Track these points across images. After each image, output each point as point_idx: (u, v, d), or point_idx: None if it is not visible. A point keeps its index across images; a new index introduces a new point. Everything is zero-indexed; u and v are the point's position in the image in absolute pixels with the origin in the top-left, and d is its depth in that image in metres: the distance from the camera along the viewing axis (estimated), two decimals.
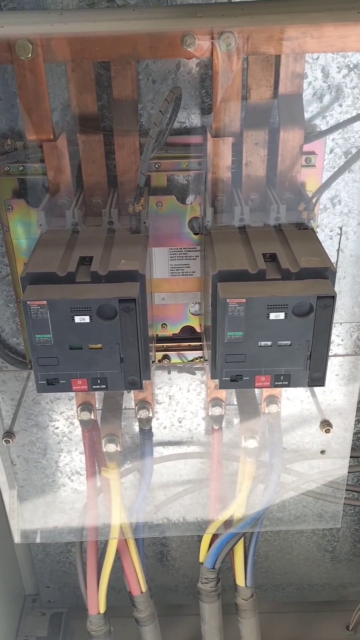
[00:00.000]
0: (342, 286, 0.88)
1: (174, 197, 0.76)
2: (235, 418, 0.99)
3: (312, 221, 0.68)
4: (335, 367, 0.96)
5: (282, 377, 0.62)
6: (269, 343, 0.60)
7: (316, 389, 0.97)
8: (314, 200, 0.67)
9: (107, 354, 0.60)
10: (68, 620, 1.25)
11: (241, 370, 0.62)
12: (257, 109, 0.68)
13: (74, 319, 0.58)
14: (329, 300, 0.57)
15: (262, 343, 0.60)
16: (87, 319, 0.58)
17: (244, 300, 0.57)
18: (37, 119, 0.65)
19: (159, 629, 1.05)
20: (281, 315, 0.58)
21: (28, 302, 0.57)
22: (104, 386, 0.62)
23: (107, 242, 0.65)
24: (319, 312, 0.58)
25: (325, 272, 0.59)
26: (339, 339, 0.95)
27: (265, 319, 0.58)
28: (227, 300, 0.57)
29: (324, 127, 0.76)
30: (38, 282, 0.59)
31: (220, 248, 0.63)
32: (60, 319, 0.58)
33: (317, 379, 0.62)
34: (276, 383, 0.63)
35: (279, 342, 0.60)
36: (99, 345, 0.59)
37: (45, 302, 0.57)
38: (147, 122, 0.75)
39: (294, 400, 0.99)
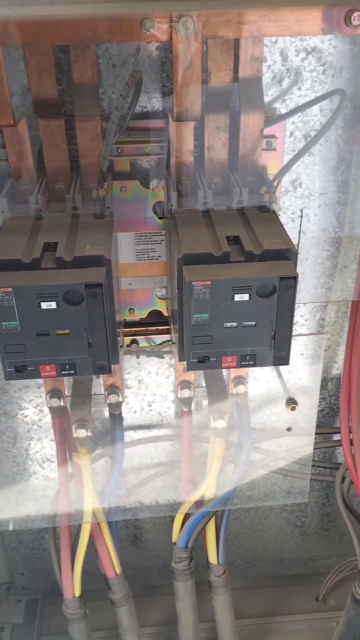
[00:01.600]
0: (304, 267, 0.90)
1: (137, 182, 0.76)
2: (204, 400, 1.00)
3: (273, 204, 0.69)
4: (300, 347, 0.98)
5: (248, 357, 0.64)
6: (235, 324, 0.61)
7: (282, 369, 0.99)
8: (275, 183, 0.68)
9: (74, 340, 0.60)
10: (44, 606, 1.26)
11: (208, 351, 0.63)
12: (218, 92, 0.68)
13: (40, 306, 0.58)
14: (291, 281, 0.59)
15: (228, 324, 0.61)
16: (53, 305, 0.58)
17: (209, 283, 0.58)
18: None
19: (134, 610, 1.07)
20: (245, 297, 0.59)
21: None
22: (73, 372, 0.62)
23: (72, 227, 0.65)
24: (282, 292, 0.59)
25: (287, 254, 0.61)
26: (302, 319, 0.97)
27: (230, 300, 0.59)
28: (193, 283, 0.58)
29: (283, 111, 0.77)
30: (2, 269, 0.59)
31: (185, 232, 0.64)
32: (26, 306, 0.58)
33: (281, 358, 0.64)
34: (242, 363, 0.64)
35: (244, 323, 0.61)
36: (67, 331, 0.60)
37: (10, 289, 0.57)
38: (108, 107, 0.75)
39: (261, 380, 1.01)
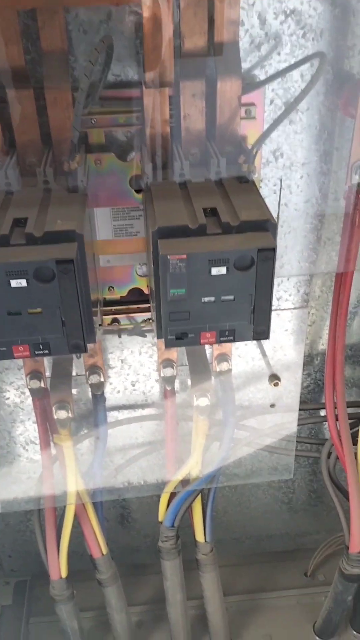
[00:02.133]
0: (287, 241, 0.88)
1: (113, 155, 0.73)
2: (188, 378, 0.99)
3: (252, 174, 0.67)
4: (284, 323, 0.97)
5: (227, 333, 0.62)
6: (212, 299, 0.59)
7: (267, 346, 0.97)
8: (254, 152, 0.66)
9: (47, 318, 0.58)
10: (32, 588, 1.26)
11: (186, 327, 0.61)
12: (192, 58, 0.65)
13: (10, 284, 0.56)
14: (270, 252, 0.57)
15: (206, 299, 0.59)
16: (24, 282, 0.56)
17: (184, 256, 0.56)
18: None
19: (122, 589, 1.06)
20: (223, 270, 0.57)
21: None
22: (47, 351, 0.60)
23: (43, 202, 0.63)
24: (260, 265, 0.57)
25: (265, 225, 0.59)
26: (286, 295, 0.95)
27: (207, 274, 0.58)
28: (168, 256, 0.56)
29: (263, 78, 0.75)
30: None
31: (160, 204, 0.62)
32: None
33: (261, 333, 0.62)
34: (221, 339, 0.62)
35: (222, 298, 0.59)
36: (39, 310, 0.58)
37: None
38: (80, 76, 0.72)
39: (245, 357, 1.00)
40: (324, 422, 1.11)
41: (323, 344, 1.03)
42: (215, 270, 0.57)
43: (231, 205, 0.61)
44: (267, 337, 0.63)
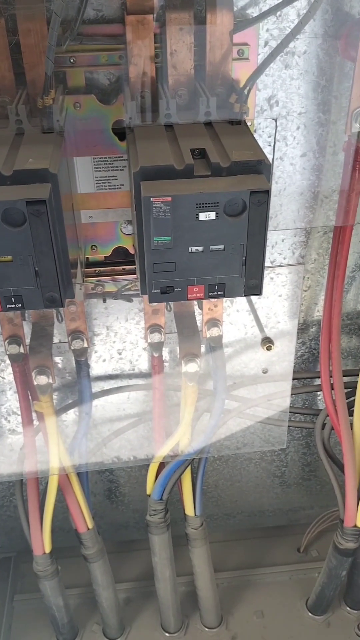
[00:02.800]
0: (282, 199, 0.83)
1: (93, 97, 0.68)
2: (177, 347, 0.94)
3: (245, 115, 0.61)
4: (277, 288, 0.92)
5: (216, 287, 0.57)
6: (201, 248, 0.54)
7: (259, 312, 0.93)
8: (246, 90, 0.60)
9: (19, 268, 0.53)
10: (17, 564, 1.22)
11: (171, 280, 0.56)
12: None
13: None
14: (263, 195, 0.52)
15: (193, 249, 0.54)
16: None
17: (169, 199, 0.51)
18: None
19: (109, 565, 1.03)
20: (212, 215, 0.52)
21: None
22: (20, 305, 0.55)
23: (15, 142, 0.57)
24: (253, 209, 0.52)
25: (258, 166, 0.54)
26: (281, 257, 0.90)
27: (195, 220, 0.52)
28: (151, 199, 0.51)
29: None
30: None
31: (143, 145, 0.57)
32: None
33: (253, 287, 0.57)
34: (210, 293, 0.57)
35: (211, 247, 0.54)
36: (9, 258, 0.52)
37: None
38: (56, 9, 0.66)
39: (237, 324, 0.95)
40: (318, 393, 1.07)
41: (319, 311, 0.99)
42: (203, 216, 0.52)
43: (221, 146, 0.56)
44: (259, 292, 0.58)
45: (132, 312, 0.91)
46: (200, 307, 0.84)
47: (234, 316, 0.94)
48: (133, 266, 0.82)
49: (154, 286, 0.56)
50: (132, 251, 0.80)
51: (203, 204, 0.52)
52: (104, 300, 0.88)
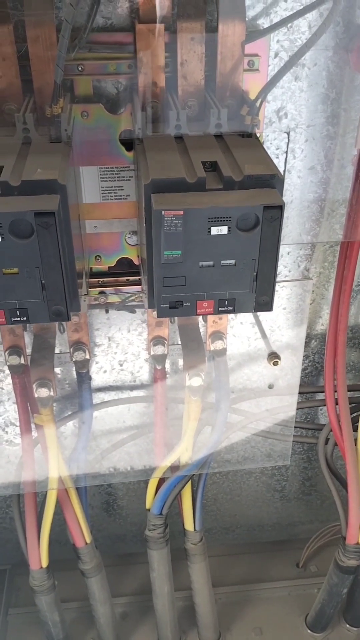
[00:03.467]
0: (288, 212, 0.82)
1: (101, 106, 0.66)
2: (180, 359, 0.93)
3: (256, 127, 0.60)
4: (282, 301, 0.91)
5: (226, 302, 0.56)
6: (211, 263, 0.53)
7: (263, 324, 0.92)
8: (257, 103, 0.59)
9: (25, 280, 0.52)
10: (12, 577, 1.20)
11: (181, 295, 0.55)
12: None
13: None
14: (277, 211, 0.51)
15: (204, 263, 0.53)
16: None
17: (181, 213, 0.50)
18: None
19: (106, 580, 1.01)
20: (224, 230, 0.51)
21: None
22: (25, 318, 0.54)
23: (22, 152, 0.56)
24: (266, 225, 0.51)
25: (271, 181, 0.52)
26: (286, 270, 0.89)
27: (207, 234, 0.51)
28: (163, 212, 0.50)
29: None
30: None
31: (154, 156, 0.55)
32: None
33: (264, 304, 0.56)
34: (220, 309, 0.56)
35: (222, 262, 0.53)
36: (15, 270, 0.51)
37: None
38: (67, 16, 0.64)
39: (240, 337, 0.94)
40: (321, 407, 1.05)
41: (323, 325, 0.98)
42: (215, 230, 0.51)
43: (233, 159, 0.55)
44: (270, 308, 0.57)
45: (135, 323, 0.90)
46: (205, 320, 0.82)
47: (237, 329, 0.93)
48: (137, 277, 0.81)
49: (163, 301, 0.55)
50: (136, 262, 0.79)
51: (215, 218, 0.50)
52: (107, 311, 0.86)
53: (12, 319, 0.54)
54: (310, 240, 0.85)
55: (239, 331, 0.93)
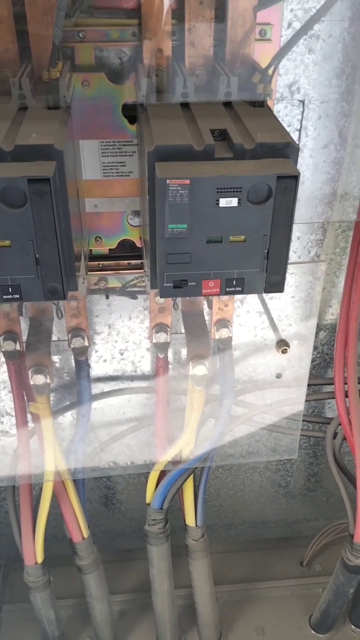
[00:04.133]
0: (300, 193, 0.77)
1: (103, 75, 0.62)
2: (182, 348, 0.89)
3: (268, 96, 0.56)
4: (291, 289, 0.87)
5: (234, 282, 0.52)
6: (219, 238, 0.49)
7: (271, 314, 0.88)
8: (270, 70, 0.56)
9: (17, 254, 0.48)
10: (7, 572, 1.16)
11: (186, 273, 0.51)
12: None
13: None
14: (291, 181, 0.47)
15: (211, 238, 0.49)
16: None
17: (187, 182, 0.46)
18: None
19: (104, 576, 0.97)
20: (234, 202, 0.47)
21: None
22: (18, 296, 0.50)
23: (17, 118, 0.52)
24: (279, 196, 0.47)
25: (286, 150, 0.49)
26: (295, 256, 0.86)
27: (214, 206, 0.47)
28: (167, 181, 0.46)
29: None
30: None
31: (158, 124, 0.52)
32: None
33: (275, 284, 0.52)
34: (227, 289, 0.52)
35: (231, 237, 0.49)
36: (7, 243, 0.47)
37: None
38: None
39: (247, 326, 0.90)
40: (329, 399, 1.02)
41: (333, 315, 0.94)
42: (224, 202, 0.47)
43: (244, 128, 0.51)
44: (281, 289, 0.53)
45: (137, 310, 0.86)
46: (210, 306, 0.78)
47: (243, 317, 0.89)
48: (139, 261, 0.77)
49: (166, 279, 0.51)
50: (139, 244, 0.75)
51: (224, 188, 0.47)
52: (107, 297, 0.83)
53: (4, 297, 0.50)
54: (321, 225, 0.81)
55: (245, 320, 0.89)
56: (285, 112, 0.72)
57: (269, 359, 0.93)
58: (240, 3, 0.58)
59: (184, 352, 0.89)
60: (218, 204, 0.47)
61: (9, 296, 0.50)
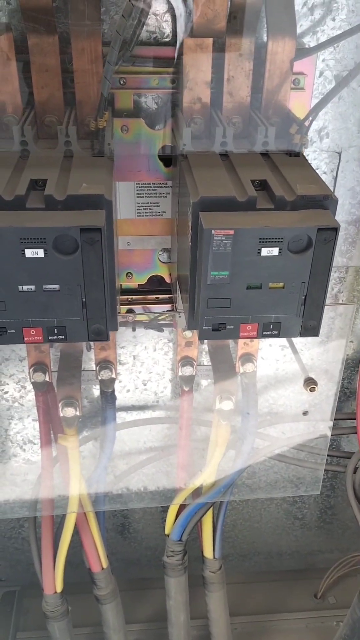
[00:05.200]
0: None
1: (142, 120, 0.65)
2: (203, 380, 0.91)
3: (304, 147, 0.59)
4: None
5: (271, 326, 0.54)
6: (259, 285, 0.51)
7: (288, 347, 0.89)
8: (307, 122, 0.58)
9: (66, 298, 0.49)
10: (21, 599, 1.16)
11: (225, 317, 0.53)
12: (243, 10, 0.57)
13: (24, 253, 0.47)
14: (331, 233, 0.49)
15: (251, 285, 0.51)
16: (40, 253, 0.47)
17: (231, 232, 0.48)
18: None
19: (121, 607, 0.97)
20: (275, 251, 0.49)
21: None
22: (63, 337, 0.52)
23: (64, 165, 0.54)
24: (319, 247, 0.49)
25: (325, 202, 0.50)
26: None
27: (256, 255, 0.49)
28: (212, 231, 0.48)
29: (314, 45, 0.66)
30: None
31: (201, 173, 0.53)
32: (7, 253, 0.47)
33: (311, 329, 0.54)
34: (264, 332, 0.54)
35: (270, 284, 0.51)
36: (56, 287, 0.49)
37: None
38: (110, 31, 0.63)
39: (268, 359, 0.91)
40: (349, 434, 1.02)
41: (353, 349, 0.95)
42: (265, 251, 0.49)
43: (283, 179, 0.53)
44: (317, 333, 0.54)
45: (161, 342, 0.88)
46: (235, 341, 0.80)
47: (265, 351, 0.90)
48: (167, 295, 0.79)
49: (206, 322, 0.53)
50: (168, 280, 0.77)
51: (267, 239, 0.48)
52: (134, 329, 0.84)
53: (50, 337, 0.52)
54: (345, 264, 0.83)
55: (267, 353, 0.91)
56: (313, 156, 0.74)
57: (289, 392, 0.94)
58: (278, 55, 0.60)
59: (203, 382, 0.91)
60: (260, 252, 0.49)
61: (55, 337, 0.51)
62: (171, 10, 0.63)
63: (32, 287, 0.49)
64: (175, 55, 0.63)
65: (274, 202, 0.50)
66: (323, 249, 0.49)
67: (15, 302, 0.49)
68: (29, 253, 0.47)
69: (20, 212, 0.48)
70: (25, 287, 0.49)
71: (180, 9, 0.61)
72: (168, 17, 0.64)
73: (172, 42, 0.64)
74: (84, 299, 0.50)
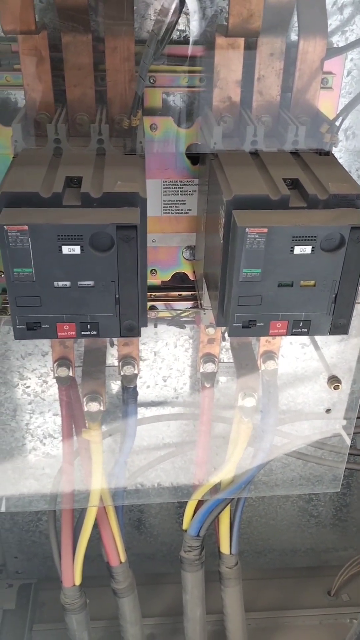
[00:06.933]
0: None
1: (171, 119, 0.65)
2: (222, 377, 0.91)
3: (334, 146, 0.59)
4: None
5: (301, 324, 0.54)
6: (290, 283, 0.51)
7: (308, 345, 0.89)
8: (338, 122, 0.58)
9: (100, 294, 0.50)
10: (37, 592, 1.17)
11: (256, 314, 0.53)
12: (275, 10, 0.57)
13: (61, 250, 0.48)
14: None
15: (283, 283, 0.51)
16: (77, 249, 0.48)
17: (265, 230, 0.48)
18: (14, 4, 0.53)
19: (138, 600, 0.98)
20: (307, 250, 0.49)
21: (5, 226, 0.46)
22: (95, 332, 0.52)
23: (98, 163, 0.55)
24: (351, 245, 0.49)
25: (357, 201, 0.51)
26: None
27: (289, 253, 0.50)
28: (247, 229, 0.48)
29: (342, 44, 0.67)
30: (17, 204, 0.48)
31: (233, 172, 0.54)
32: (44, 249, 0.48)
33: (341, 327, 0.54)
34: (294, 330, 0.54)
35: (302, 282, 0.51)
36: (91, 283, 0.50)
37: (26, 227, 0.46)
38: (139, 30, 0.64)
39: (288, 357, 0.92)
40: None
41: None
42: (298, 249, 0.49)
43: (315, 178, 0.53)
44: (346, 332, 0.55)
45: (182, 338, 0.88)
46: (257, 338, 0.80)
47: (286, 348, 0.91)
48: (190, 292, 0.79)
49: (236, 319, 0.53)
50: (191, 277, 0.78)
51: (300, 237, 0.49)
52: (155, 325, 0.85)
53: (82, 333, 0.52)
54: None
55: (287, 351, 0.91)
56: (339, 155, 0.74)
57: (308, 389, 0.95)
58: (309, 55, 0.60)
59: (223, 379, 0.91)
60: (293, 251, 0.49)
61: (87, 332, 0.52)
62: (202, 9, 0.64)
63: (68, 283, 0.49)
64: (189, 54, 0.63)
65: (307, 200, 0.51)
66: (355, 248, 0.49)
67: (51, 298, 0.50)
68: (65, 250, 0.47)
69: (57, 209, 0.48)
70: (60, 283, 0.49)
71: (194, 6, 0.61)
72: (197, 16, 0.64)
73: (201, 41, 0.65)
74: (117, 295, 0.50)
